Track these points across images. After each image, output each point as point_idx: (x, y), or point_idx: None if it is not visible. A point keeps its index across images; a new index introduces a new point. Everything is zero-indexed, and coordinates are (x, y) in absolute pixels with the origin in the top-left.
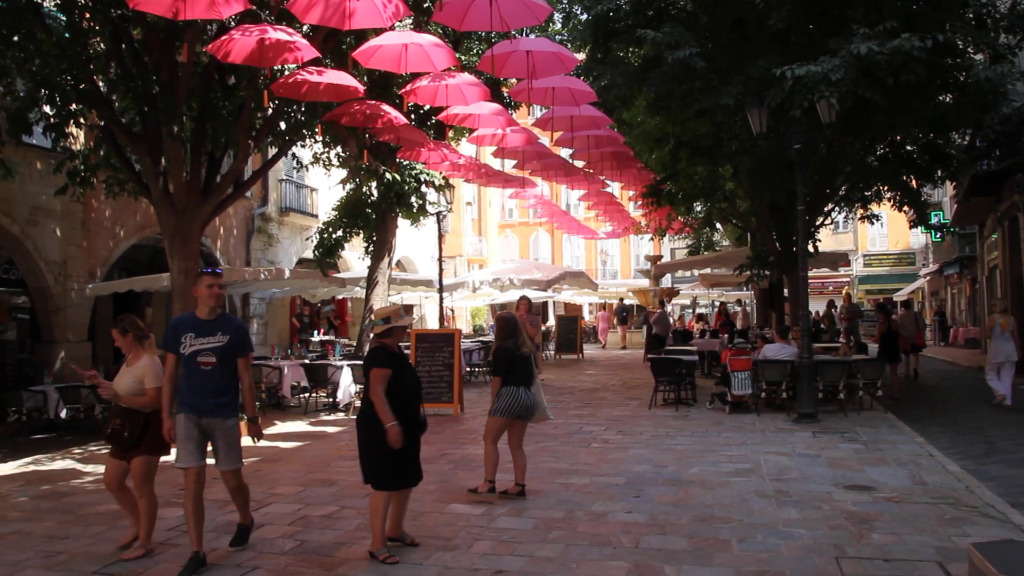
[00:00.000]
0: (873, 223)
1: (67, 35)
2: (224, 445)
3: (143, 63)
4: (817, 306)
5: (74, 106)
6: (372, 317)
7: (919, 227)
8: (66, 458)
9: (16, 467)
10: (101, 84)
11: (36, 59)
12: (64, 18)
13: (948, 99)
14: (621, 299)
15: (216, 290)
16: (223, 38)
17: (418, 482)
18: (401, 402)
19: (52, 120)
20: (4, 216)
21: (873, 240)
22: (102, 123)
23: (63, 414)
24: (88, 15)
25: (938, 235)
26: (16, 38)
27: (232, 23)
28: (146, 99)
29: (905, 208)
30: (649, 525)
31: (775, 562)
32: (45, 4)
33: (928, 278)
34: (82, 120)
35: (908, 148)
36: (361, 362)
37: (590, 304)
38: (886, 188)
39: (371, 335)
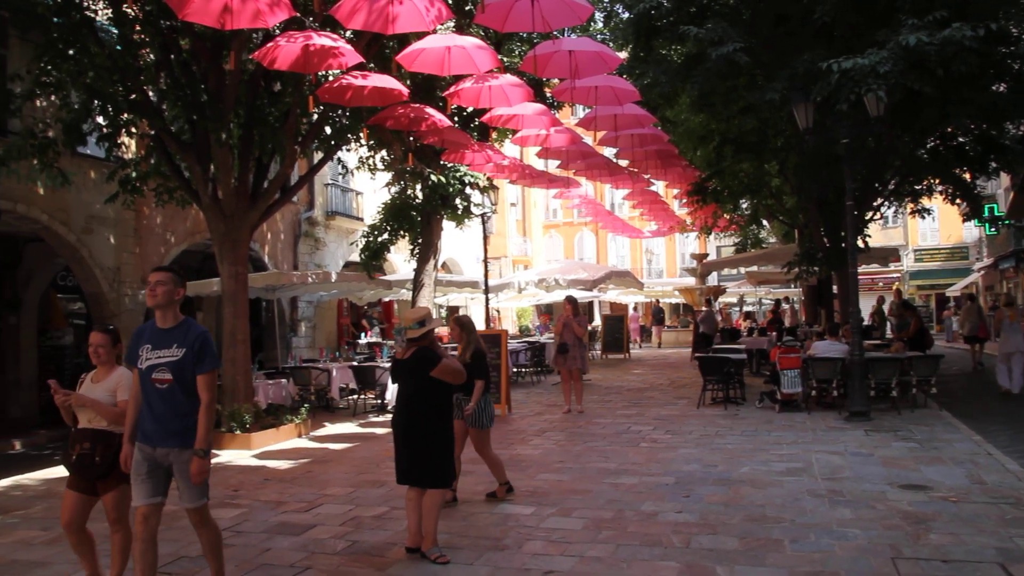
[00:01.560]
0: (924, 217)
1: (119, 48)
2: (184, 479)
3: (191, 72)
4: (868, 302)
5: (126, 116)
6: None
7: (972, 220)
8: None
9: None
10: (151, 94)
11: (90, 72)
12: (116, 31)
13: (1002, 88)
14: (656, 300)
15: (154, 288)
16: (269, 45)
17: None
18: (447, 401)
19: (105, 130)
20: (61, 225)
21: (924, 234)
22: (152, 132)
23: None
24: (139, 27)
25: (992, 228)
26: (71, 52)
27: (277, 31)
28: (195, 107)
29: (957, 201)
30: (700, 525)
31: (829, 563)
32: (98, 18)
33: (982, 272)
34: (133, 129)
35: (960, 139)
36: None
37: (635, 303)
38: (937, 181)
39: (404, 339)
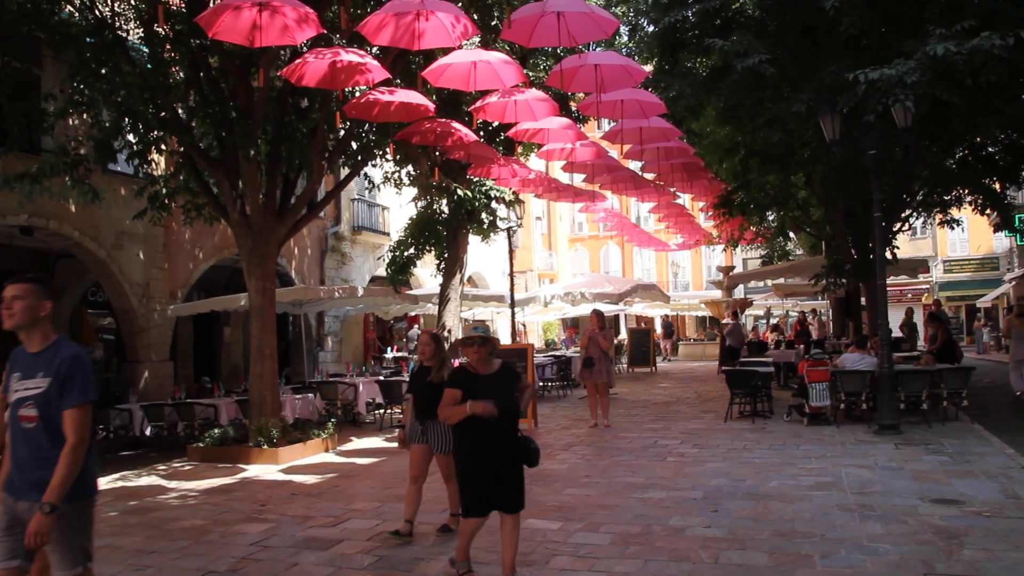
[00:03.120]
0: (953, 228)
1: (149, 66)
2: (51, 540)
3: (220, 90)
4: (897, 314)
5: (156, 133)
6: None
7: (1003, 231)
8: (151, 474)
9: (105, 483)
10: (181, 111)
11: (121, 90)
12: (147, 50)
13: None
14: (665, 316)
15: (10, 305)
16: (296, 62)
17: (491, 510)
18: (476, 425)
19: (135, 147)
20: (92, 241)
21: (953, 245)
22: (182, 149)
23: (148, 431)
24: (169, 46)
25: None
26: (103, 71)
27: (305, 47)
28: (223, 124)
29: (987, 211)
30: (728, 540)
31: None
32: (129, 38)
33: (1013, 283)
34: (163, 146)
35: (989, 149)
36: None
37: (662, 316)
38: (966, 192)
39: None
